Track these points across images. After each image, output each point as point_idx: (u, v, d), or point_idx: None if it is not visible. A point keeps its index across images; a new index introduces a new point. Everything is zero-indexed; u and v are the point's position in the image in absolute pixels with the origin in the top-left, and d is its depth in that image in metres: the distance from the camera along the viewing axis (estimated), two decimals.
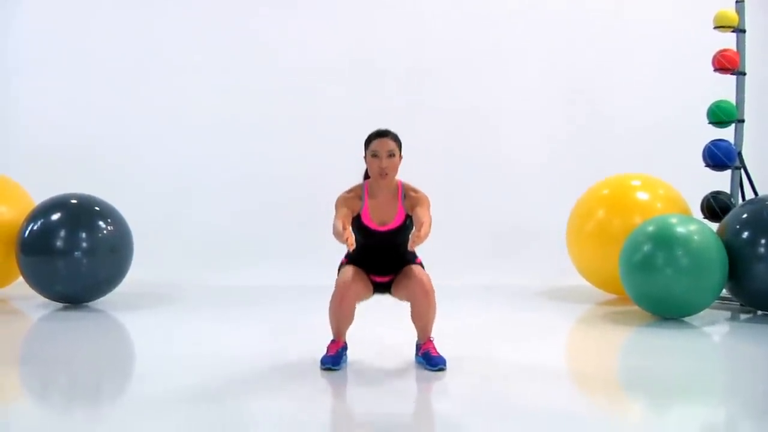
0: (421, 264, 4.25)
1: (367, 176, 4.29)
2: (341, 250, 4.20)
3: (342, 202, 4.18)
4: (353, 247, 3.92)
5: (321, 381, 4.01)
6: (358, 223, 4.16)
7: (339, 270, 4.27)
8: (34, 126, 7.81)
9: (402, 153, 4.21)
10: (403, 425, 3.54)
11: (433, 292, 4.11)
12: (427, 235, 3.93)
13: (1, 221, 5.88)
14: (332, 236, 4.00)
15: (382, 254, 4.22)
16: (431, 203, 4.16)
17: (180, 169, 7.81)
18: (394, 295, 4.29)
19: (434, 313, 4.16)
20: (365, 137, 4.22)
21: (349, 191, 4.22)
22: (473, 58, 7.99)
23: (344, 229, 3.97)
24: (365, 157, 4.22)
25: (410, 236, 3.96)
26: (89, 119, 7.85)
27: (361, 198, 4.19)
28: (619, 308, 5.86)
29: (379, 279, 4.25)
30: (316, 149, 7.73)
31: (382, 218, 4.18)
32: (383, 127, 4.25)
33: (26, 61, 7.85)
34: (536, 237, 7.43)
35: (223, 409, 3.59)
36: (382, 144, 4.17)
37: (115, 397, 3.92)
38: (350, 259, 4.25)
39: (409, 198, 4.17)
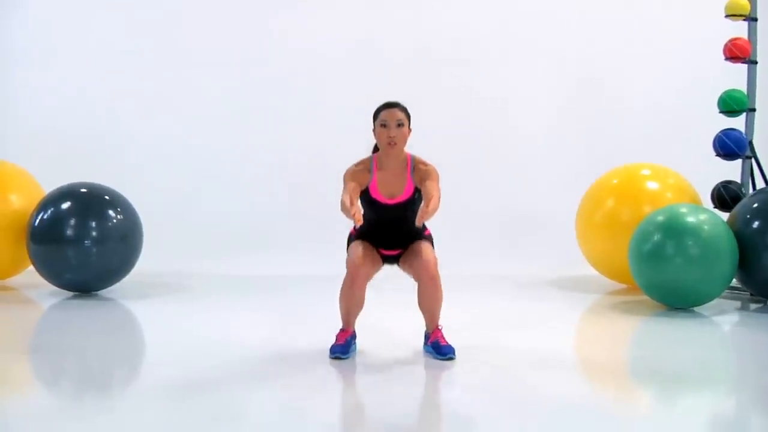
0: (430, 236, 4.26)
1: (375, 150, 4.25)
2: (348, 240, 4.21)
3: (350, 175, 4.15)
4: (360, 222, 3.90)
5: (330, 370, 4.02)
6: (367, 197, 4.14)
7: (348, 242, 4.27)
8: (44, 114, 7.82)
9: (411, 126, 4.19)
10: (411, 414, 3.55)
11: (439, 276, 4.09)
12: (435, 209, 3.91)
13: (11, 210, 5.90)
14: (340, 212, 3.97)
15: (391, 227, 4.20)
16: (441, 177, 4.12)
17: (188, 158, 7.83)
18: (401, 268, 4.28)
19: (441, 297, 4.14)
20: (374, 110, 4.20)
21: (358, 164, 4.19)
22: (483, 44, 7.97)
23: (352, 204, 3.95)
24: (374, 129, 4.19)
25: (419, 211, 3.93)
26: (98, 108, 7.86)
27: (369, 171, 4.16)
28: (628, 298, 5.85)
29: (387, 252, 4.25)
30: (324, 138, 7.73)
31: (391, 191, 4.15)
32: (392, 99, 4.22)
33: (36, 49, 7.84)
34: (545, 226, 7.42)
35: (231, 397, 3.60)
36: (391, 114, 4.14)
37: (125, 386, 3.94)
38: (359, 232, 4.21)
39: (419, 171, 4.12)
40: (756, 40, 6.06)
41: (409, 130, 4.18)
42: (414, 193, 4.14)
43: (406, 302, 4.47)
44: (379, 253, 4.24)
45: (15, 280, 6.17)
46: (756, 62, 6.05)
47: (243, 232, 7.43)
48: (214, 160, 7.83)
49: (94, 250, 5.60)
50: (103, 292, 5.84)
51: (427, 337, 4.25)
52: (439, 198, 3.98)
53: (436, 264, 4.11)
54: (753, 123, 6.05)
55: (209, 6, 7.95)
